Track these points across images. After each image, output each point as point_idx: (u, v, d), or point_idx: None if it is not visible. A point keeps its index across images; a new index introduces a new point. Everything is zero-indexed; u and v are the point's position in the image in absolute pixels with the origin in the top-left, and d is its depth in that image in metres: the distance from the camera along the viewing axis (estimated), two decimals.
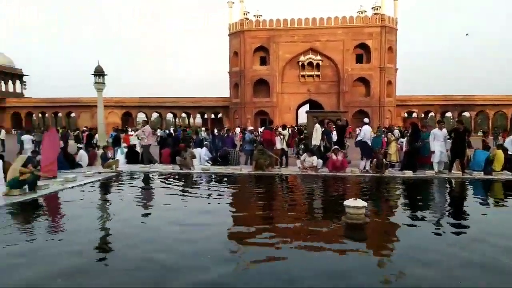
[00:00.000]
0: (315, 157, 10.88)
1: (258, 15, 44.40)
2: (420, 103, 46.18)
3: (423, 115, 46.93)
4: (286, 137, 12.29)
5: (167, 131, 23.33)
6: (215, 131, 15.90)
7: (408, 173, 10.30)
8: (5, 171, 8.59)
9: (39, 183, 7.87)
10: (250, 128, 33.23)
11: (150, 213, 6.57)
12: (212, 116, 52.03)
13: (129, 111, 51.60)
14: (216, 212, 6.48)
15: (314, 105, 43.03)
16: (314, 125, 12.62)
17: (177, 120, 56.05)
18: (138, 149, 13.82)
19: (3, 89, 53.34)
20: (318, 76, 43.18)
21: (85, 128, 22.71)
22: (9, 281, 3.57)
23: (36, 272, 3.75)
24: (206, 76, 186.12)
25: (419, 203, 7.56)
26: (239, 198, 8.17)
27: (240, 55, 43.86)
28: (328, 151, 11.75)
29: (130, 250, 4.44)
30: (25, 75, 56.94)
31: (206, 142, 14.35)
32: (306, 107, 44.08)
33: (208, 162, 12.68)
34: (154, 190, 8.93)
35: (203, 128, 31.01)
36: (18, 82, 56.13)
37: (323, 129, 12.65)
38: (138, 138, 13.60)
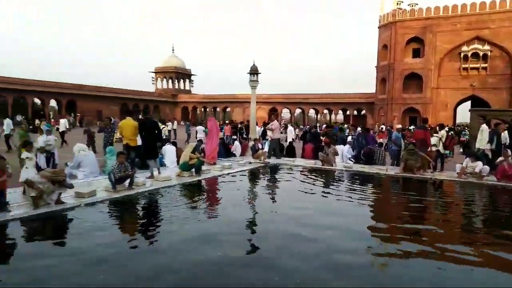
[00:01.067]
0: (479, 163, 9.38)
1: (413, 4, 40.67)
2: None
3: None
4: (443, 138, 10.97)
5: (307, 127, 23.89)
6: (358, 128, 15.43)
7: None
8: (178, 156, 10.33)
9: (203, 167, 9.15)
10: (398, 126, 30.94)
11: (280, 204, 6.84)
12: (355, 112, 50.51)
13: (275, 107, 54.65)
14: (353, 215, 6.25)
15: (478, 102, 36.91)
16: (479, 126, 10.90)
17: (318, 116, 56.58)
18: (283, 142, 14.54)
19: (176, 86, 63.60)
20: (484, 68, 36.88)
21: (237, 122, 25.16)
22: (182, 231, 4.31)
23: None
24: (348, 71, 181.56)
25: None
26: (382, 203, 7.68)
27: (390, 47, 41.06)
28: (497, 156, 9.96)
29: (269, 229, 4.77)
30: (192, 75, 66.56)
31: (350, 140, 14.05)
32: (467, 105, 38.24)
33: (351, 160, 12.42)
34: (295, 183, 9.22)
35: (345, 125, 30.38)
36: (187, 81, 66.04)
37: (490, 130, 10.80)
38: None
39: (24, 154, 7.58)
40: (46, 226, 5.10)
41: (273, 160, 12.30)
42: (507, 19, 35.16)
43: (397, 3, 40.84)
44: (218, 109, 60.30)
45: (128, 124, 8.66)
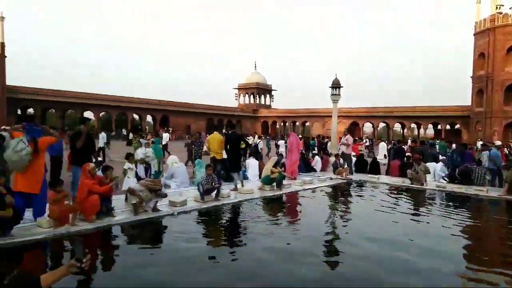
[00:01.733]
0: None
1: None
2: None
3: None
4: None
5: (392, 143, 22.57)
6: (453, 144, 14.13)
7: None
8: (260, 170, 10.61)
9: (284, 182, 9.26)
10: (498, 142, 27.57)
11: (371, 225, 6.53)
12: (448, 127, 46.35)
13: (356, 121, 52.89)
14: (448, 240, 5.74)
15: None
16: None
17: (405, 130, 53.17)
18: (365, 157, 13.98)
19: (257, 101, 65.64)
20: None
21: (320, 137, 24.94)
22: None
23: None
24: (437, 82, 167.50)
25: None
26: (482, 229, 6.83)
27: (488, 56, 37.06)
28: None
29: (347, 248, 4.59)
30: (273, 90, 68.08)
31: (443, 157, 12.94)
32: None
33: (444, 179, 11.41)
34: (379, 202, 8.77)
35: (437, 141, 28.05)
36: (268, 96, 67.76)
37: None
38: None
39: (126, 165, 8.53)
40: (144, 231, 5.63)
41: (356, 177, 11.89)
42: None
43: (497, 7, 36.87)
44: (297, 123, 60.49)
45: (215, 138, 9.20)
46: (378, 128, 54.81)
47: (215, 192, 7.38)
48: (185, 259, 4.33)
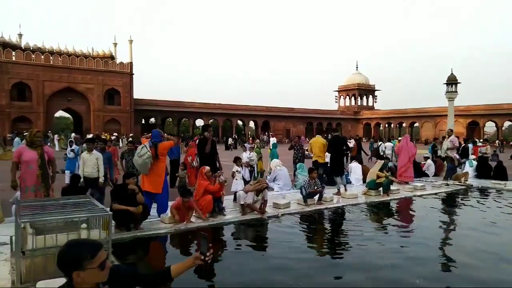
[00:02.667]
0: None
1: None
2: None
3: None
4: None
5: None
6: None
7: None
8: (363, 173, 10.20)
9: (392, 187, 8.71)
10: None
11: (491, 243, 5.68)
12: None
13: (476, 120, 46.73)
14: None
15: None
16: None
17: None
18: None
19: (359, 103, 63.14)
20: None
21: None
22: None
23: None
24: None
25: None
26: None
27: None
28: None
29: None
30: (376, 90, 64.72)
31: None
32: None
33: None
34: (503, 211, 7.56)
35: None
36: (371, 96, 64.67)
37: None
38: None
39: (235, 168, 9.07)
40: (251, 230, 5.92)
41: (477, 183, 10.54)
42: None
43: None
44: (404, 124, 56.26)
45: (318, 141, 9.18)
46: (503, 128, 47.55)
47: (317, 196, 7.35)
48: (290, 261, 4.42)
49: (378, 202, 7.99)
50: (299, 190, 7.57)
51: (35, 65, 36.33)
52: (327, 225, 6.58)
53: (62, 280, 2.86)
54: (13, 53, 35.72)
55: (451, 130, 11.69)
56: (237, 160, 8.27)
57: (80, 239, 3.14)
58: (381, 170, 8.67)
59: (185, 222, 5.60)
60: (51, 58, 37.27)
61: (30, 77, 36.15)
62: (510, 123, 46.91)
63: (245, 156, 10.24)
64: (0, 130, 33.99)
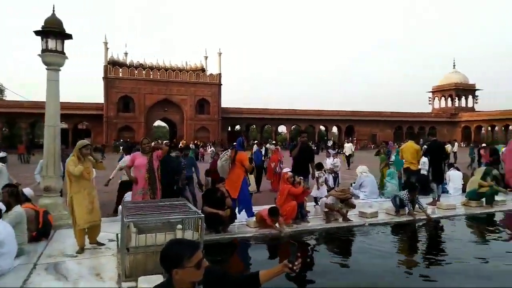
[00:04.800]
0: None
1: None
2: None
3: None
4: None
5: None
6: None
7: None
8: (464, 182, 9.23)
9: (497, 198, 7.75)
10: None
11: None
12: None
13: None
14: None
15: None
16: None
17: None
18: None
19: (456, 104, 57.28)
20: None
21: None
22: None
23: None
24: None
25: None
26: None
27: None
28: None
29: None
30: (477, 89, 58.09)
31: None
32: None
33: None
34: None
35: None
36: (470, 97, 58.24)
37: None
38: None
39: (316, 174, 8.98)
40: (336, 239, 5.78)
41: None
42: None
43: None
44: (510, 127, 49.39)
45: (410, 147, 8.60)
46: None
47: (409, 205, 6.85)
48: (377, 272, 4.22)
49: (480, 214, 7.16)
50: (390, 199, 7.17)
51: (137, 80, 40.75)
52: (418, 237, 6.08)
53: (160, 277, 3.18)
54: (120, 70, 40.57)
55: None
56: (319, 166, 8.16)
57: (180, 238, 3.41)
58: (483, 178, 7.76)
59: (269, 228, 5.71)
60: (151, 73, 41.41)
61: (133, 90, 40.61)
62: None
63: (329, 162, 10.08)
64: (108, 138, 38.78)
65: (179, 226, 3.94)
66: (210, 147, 29.61)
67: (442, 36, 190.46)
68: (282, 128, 52.97)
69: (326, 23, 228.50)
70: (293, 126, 49.88)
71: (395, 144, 31.69)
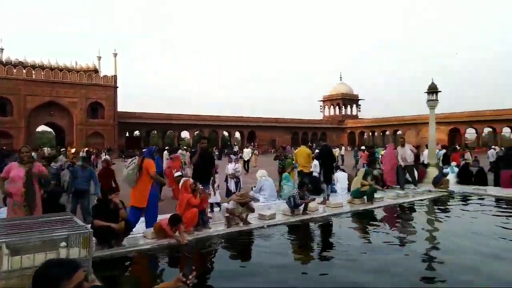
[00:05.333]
0: None
1: None
2: None
3: None
4: None
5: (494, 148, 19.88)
6: None
7: None
8: (350, 182, 10.30)
9: (376, 195, 8.81)
10: None
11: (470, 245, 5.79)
12: None
13: (457, 127, 47.88)
14: None
15: None
16: None
17: None
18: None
19: (343, 112, 64.03)
20: None
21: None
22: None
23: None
24: None
25: None
26: None
27: None
28: None
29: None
30: (360, 99, 65.84)
31: None
32: None
33: None
34: (490, 218, 7.76)
35: None
36: (355, 106, 65.72)
37: None
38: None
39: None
40: (236, 243, 5.86)
41: (459, 189, 10.76)
42: None
43: None
44: (387, 132, 57.20)
45: (303, 151, 9.25)
46: (483, 134, 48.86)
47: (303, 206, 7.37)
48: (276, 271, 4.41)
49: (363, 210, 8.06)
50: (286, 201, 7.58)
51: (17, 80, 35.70)
52: (313, 235, 6.58)
53: None
54: None
55: (403, 139, 12.02)
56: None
57: (56, 259, 3.05)
58: (364, 178, 8.77)
59: (169, 238, 5.50)
60: (33, 72, 36.71)
61: (11, 91, 35.45)
62: (489, 129, 48.14)
63: (231, 167, 10.22)
64: None
65: (63, 244, 3.53)
66: (105, 155, 27.57)
67: (334, 49, 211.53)
68: (185, 134, 52.15)
69: (233, 25, 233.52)
70: (196, 132, 49.50)
71: (292, 148, 33.84)
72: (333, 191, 10.02)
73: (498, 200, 9.36)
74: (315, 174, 10.21)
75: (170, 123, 46.17)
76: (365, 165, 15.12)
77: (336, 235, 6.42)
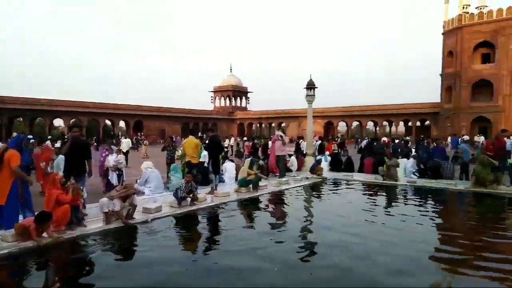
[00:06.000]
0: None
1: (481, 7, 38.04)
2: None
3: None
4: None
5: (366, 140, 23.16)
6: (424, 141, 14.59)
7: None
8: (237, 171, 10.58)
9: (261, 183, 9.26)
10: (466, 137, 28.77)
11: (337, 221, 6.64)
12: (418, 123, 47.87)
13: (331, 121, 53.77)
14: (417, 234, 5.94)
15: None
16: None
17: (377, 128, 54.49)
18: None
19: (233, 104, 65.62)
20: None
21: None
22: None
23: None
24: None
25: None
26: (452, 221, 7.25)
27: (456, 54, 38.67)
28: None
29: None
30: (249, 92, 68.22)
31: (414, 154, 13.33)
32: None
33: (415, 174, 11.76)
34: (354, 198, 8.98)
35: (407, 138, 29.08)
36: (244, 98, 67.89)
37: None
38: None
39: None
40: (117, 240, 5.46)
41: (331, 175, 12.07)
42: None
43: (463, 7, 38.50)
44: (273, 124, 60.85)
45: (191, 142, 9.09)
46: (352, 127, 55.94)
47: (191, 196, 7.28)
48: (161, 265, 4.25)
49: (249, 198, 8.39)
50: (173, 192, 7.37)
51: None
52: (200, 225, 6.52)
53: None
54: None
55: (281, 128, 13.50)
56: None
57: None
58: (250, 167, 9.11)
59: (34, 239, 4.80)
60: None
61: None
62: (357, 123, 55.33)
63: (112, 159, 9.48)
64: None
65: None
66: None
67: (225, 41, 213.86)
68: (59, 122, 46.47)
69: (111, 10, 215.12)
70: (72, 120, 44.48)
71: (182, 139, 33.21)
72: (221, 181, 10.18)
73: (363, 184, 10.84)
74: (205, 164, 10.23)
75: (40, 109, 40.22)
76: (246, 156, 15.72)
77: (223, 223, 6.52)
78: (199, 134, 25.27)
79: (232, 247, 5.01)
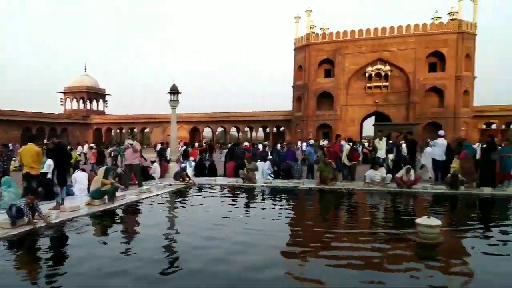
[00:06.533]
0: (383, 169, 10.80)
1: (324, 28, 44.24)
2: (502, 114, 41.67)
3: (504, 127, 42.31)
4: (347, 151, 11.99)
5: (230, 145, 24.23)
6: (278, 145, 16.05)
7: (487, 190, 9.52)
8: (90, 181, 9.55)
9: (118, 194, 8.57)
10: (311, 141, 32.95)
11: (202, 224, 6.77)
12: (274, 129, 52.52)
13: (197, 126, 54.20)
14: (273, 227, 6.50)
15: (381, 118, 41.25)
16: (380, 138, 12.26)
17: (240, 134, 57.54)
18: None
19: (88, 107, 59.39)
20: (386, 87, 41.46)
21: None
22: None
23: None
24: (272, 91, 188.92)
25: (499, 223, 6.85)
26: (299, 213, 8.18)
27: (304, 68, 44.01)
28: (398, 164, 11.37)
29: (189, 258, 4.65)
30: (107, 94, 62.87)
31: (270, 157, 14.51)
32: (372, 120, 42.47)
33: (271, 176, 12.80)
34: (216, 201, 9.22)
35: (265, 142, 31.47)
36: (101, 101, 62.15)
37: (391, 142, 12.29)
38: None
39: None
40: None
41: (195, 180, 12.08)
42: (403, 43, 40.22)
43: (310, 27, 44.08)
44: (135, 129, 57.68)
45: (29, 150, 7.77)
46: (217, 133, 57.61)
47: (29, 213, 6.17)
48: None
49: (102, 211, 7.64)
50: (6, 210, 6.13)
51: None
52: (41, 248, 5.55)
53: None
54: None
55: (133, 134, 13.22)
56: None
57: None
58: (105, 176, 8.36)
59: None
60: None
61: None
62: (221, 129, 57.19)
63: None
64: None
65: None
66: None
67: (77, 39, 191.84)
68: None
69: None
70: None
71: (22, 146, 28.37)
72: (70, 193, 9.05)
73: (225, 187, 11.18)
74: (49, 175, 8.91)
75: None
76: (93, 165, 14.24)
77: (69, 243, 5.72)
78: (45, 141, 22.01)
79: (79, 269, 4.44)
